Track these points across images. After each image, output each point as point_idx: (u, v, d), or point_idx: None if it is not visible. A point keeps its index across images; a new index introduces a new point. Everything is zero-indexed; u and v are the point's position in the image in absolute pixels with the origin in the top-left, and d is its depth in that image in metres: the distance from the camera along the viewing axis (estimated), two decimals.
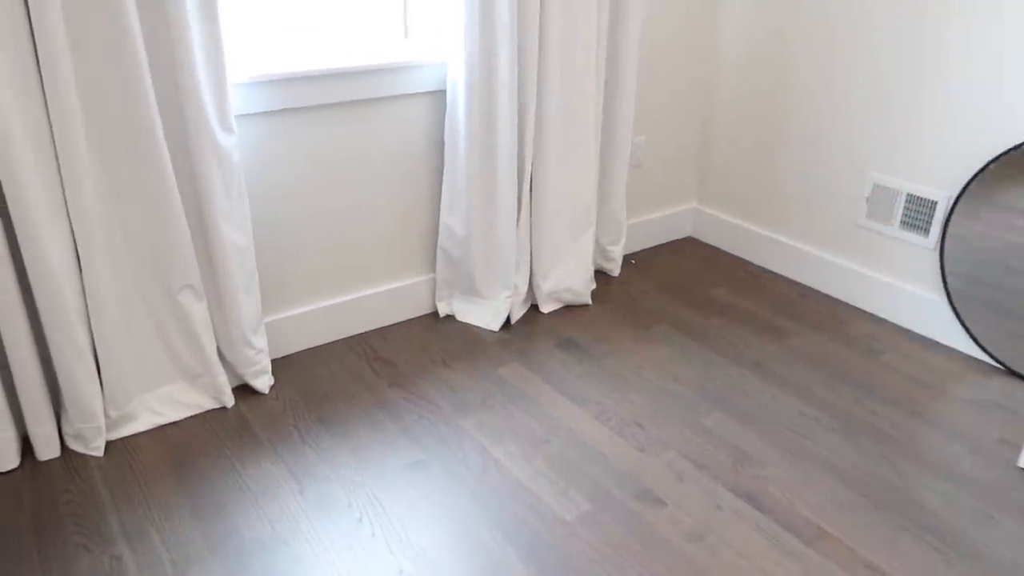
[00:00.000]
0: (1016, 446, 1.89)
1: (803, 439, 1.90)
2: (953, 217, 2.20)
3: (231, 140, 1.79)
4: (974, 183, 2.13)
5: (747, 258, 2.85)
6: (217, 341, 1.95)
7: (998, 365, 2.21)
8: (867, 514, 1.67)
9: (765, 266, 2.79)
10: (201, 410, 1.95)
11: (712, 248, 2.95)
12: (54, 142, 1.58)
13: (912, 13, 2.17)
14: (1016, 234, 2.07)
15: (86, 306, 1.72)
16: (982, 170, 2.11)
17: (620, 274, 2.73)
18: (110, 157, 1.65)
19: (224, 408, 1.97)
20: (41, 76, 1.52)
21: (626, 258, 2.86)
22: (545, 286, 2.43)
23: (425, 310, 2.43)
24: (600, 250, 2.68)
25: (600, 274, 2.72)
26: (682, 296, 2.59)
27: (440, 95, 2.19)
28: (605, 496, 1.71)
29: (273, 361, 2.16)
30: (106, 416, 1.82)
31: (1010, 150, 2.04)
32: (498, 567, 1.52)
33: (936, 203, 2.25)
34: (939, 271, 2.29)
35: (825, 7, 2.37)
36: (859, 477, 1.78)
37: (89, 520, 1.61)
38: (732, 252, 2.90)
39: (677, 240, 3.03)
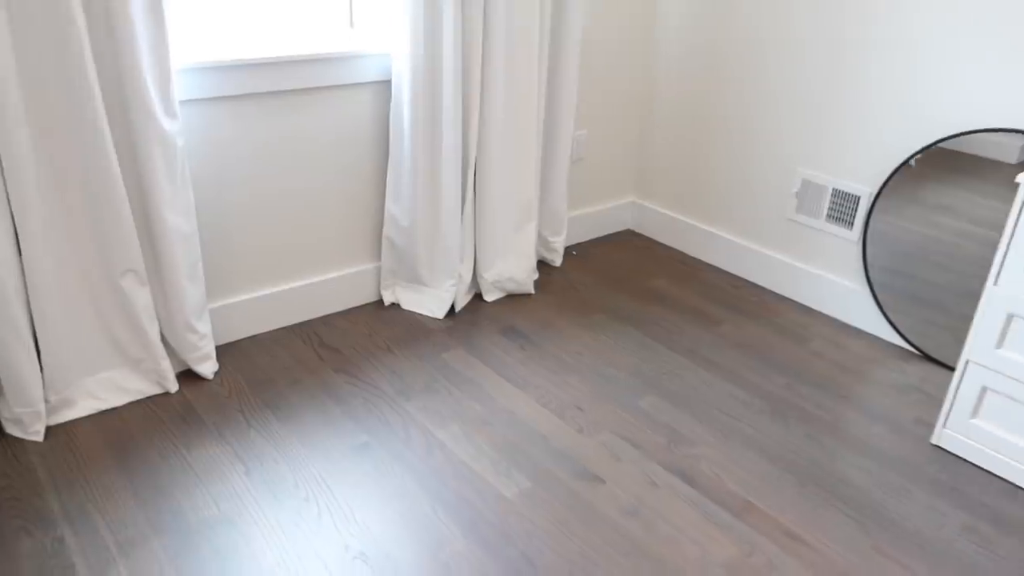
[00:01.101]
0: (930, 425, 2.01)
1: (733, 420, 2.00)
2: (875, 212, 2.33)
3: (175, 125, 1.80)
4: (894, 179, 2.26)
5: (684, 250, 2.95)
6: (160, 326, 1.95)
7: (916, 351, 2.34)
8: (792, 488, 1.77)
9: (701, 258, 2.90)
10: (144, 396, 1.94)
11: (650, 240, 3.05)
12: None
13: (834, 17, 2.29)
14: (937, 230, 2.20)
15: (26, 290, 1.71)
16: (900, 167, 2.24)
17: (562, 265, 2.80)
18: (52, 143, 1.64)
19: (167, 393, 1.97)
20: None
21: (568, 249, 2.93)
22: (489, 276, 2.48)
23: (370, 298, 2.46)
24: (542, 241, 2.74)
25: (543, 265, 2.79)
26: (621, 286, 2.67)
27: (385, 85, 2.22)
28: (545, 475, 1.77)
29: (218, 347, 2.16)
30: (46, 401, 1.80)
31: (925, 147, 2.17)
32: (441, 542, 1.57)
33: (859, 198, 2.38)
34: (862, 263, 2.42)
35: (756, 12, 2.48)
36: (785, 454, 1.88)
37: (28, 504, 1.60)
38: (670, 244, 3.00)
39: (617, 232, 3.12)
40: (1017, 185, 1.88)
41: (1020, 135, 1.98)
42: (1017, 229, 1.67)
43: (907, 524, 1.68)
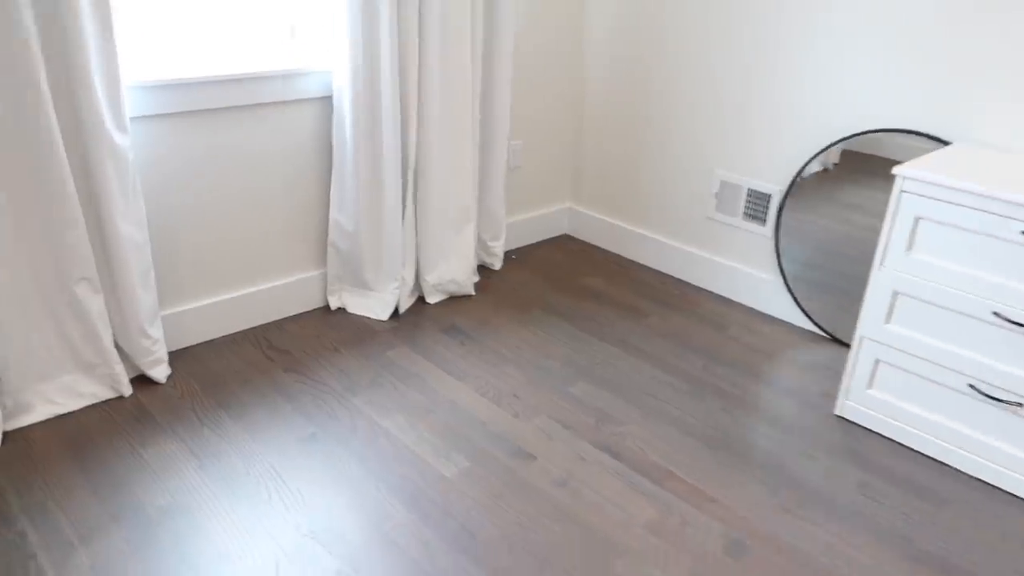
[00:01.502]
0: (835, 399, 2.21)
1: (657, 400, 2.17)
2: (785, 208, 2.53)
3: (126, 140, 1.90)
4: (812, 179, 2.47)
5: (616, 251, 3.13)
6: (114, 332, 2.04)
7: (826, 335, 2.55)
8: (707, 458, 1.94)
9: (631, 258, 3.08)
10: (98, 400, 2.03)
11: (586, 244, 3.22)
12: None
13: (744, 29, 2.50)
14: (848, 225, 2.41)
15: None
16: (805, 166, 2.45)
17: (501, 268, 2.96)
18: (6, 156, 1.74)
19: (122, 397, 2.06)
20: None
21: (507, 253, 3.08)
22: (430, 278, 2.62)
23: (317, 303, 2.57)
24: (482, 245, 2.89)
25: (483, 268, 2.94)
26: (557, 285, 2.83)
27: (327, 100, 2.36)
28: (482, 455, 1.91)
29: (171, 353, 2.26)
30: (2, 406, 1.88)
31: (825, 148, 2.39)
32: (385, 518, 1.69)
33: (771, 196, 2.58)
34: (775, 256, 2.62)
35: (673, 26, 2.68)
36: (703, 429, 2.05)
37: None
38: (603, 247, 3.18)
39: (555, 237, 3.29)
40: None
41: (916, 136, 2.20)
42: (896, 217, 1.88)
43: (809, 483, 1.87)
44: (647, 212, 2.99)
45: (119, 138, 1.88)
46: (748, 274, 2.71)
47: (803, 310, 2.57)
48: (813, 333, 2.56)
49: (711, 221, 2.79)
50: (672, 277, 2.94)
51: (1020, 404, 1.79)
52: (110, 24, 1.78)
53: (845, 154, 2.35)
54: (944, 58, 2.09)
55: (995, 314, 1.78)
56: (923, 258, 1.86)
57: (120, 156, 1.89)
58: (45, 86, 1.71)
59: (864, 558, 1.65)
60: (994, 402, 1.83)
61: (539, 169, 3.11)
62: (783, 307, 2.64)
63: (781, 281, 2.62)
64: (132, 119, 2.01)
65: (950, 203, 1.78)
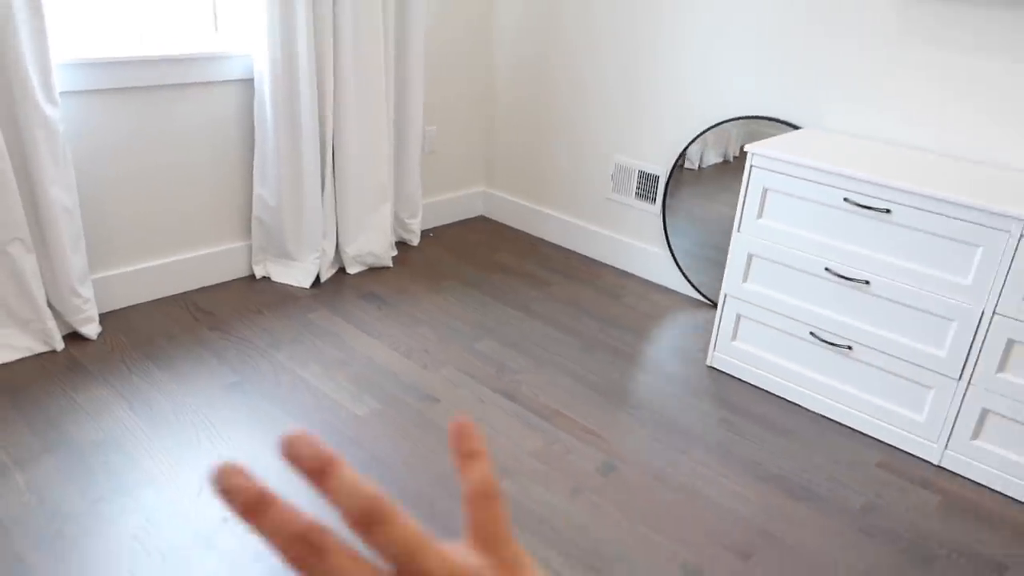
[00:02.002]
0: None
1: (553, 355, 2.43)
2: (670, 188, 2.83)
3: (56, 112, 2.06)
4: (680, 160, 2.77)
5: (526, 230, 3.39)
6: (46, 291, 2.19)
7: (709, 302, 2.85)
8: (593, 401, 2.21)
9: (540, 236, 3.35)
10: (32, 353, 2.18)
11: (499, 224, 3.48)
12: None
13: (630, 27, 2.78)
14: (731, 208, 2.72)
15: None
16: (686, 148, 2.75)
17: (419, 244, 3.18)
18: None
19: (54, 351, 2.21)
20: None
21: (425, 231, 3.31)
22: (350, 250, 2.83)
23: (243, 273, 2.75)
24: (400, 223, 3.11)
25: (401, 244, 3.16)
26: (470, 260, 3.07)
27: (250, 83, 2.54)
28: (392, 399, 2.13)
29: (101, 315, 2.41)
30: None
31: (700, 133, 2.69)
32: None
33: (658, 177, 2.88)
34: (663, 231, 2.91)
35: (574, 24, 2.95)
36: (591, 378, 2.32)
37: None
38: (514, 226, 3.44)
39: (471, 218, 3.53)
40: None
41: (775, 123, 2.52)
42: (748, 188, 2.18)
43: (678, 421, 2.15)
44: (553, 194, 3.26)
45: (49, 110, 2.04)
46: (641, 248, 3.00)
47: (688, 280, 2.87)
48: (698, 300, 2.87)
49: (608, 201, 3.07)
50: (576, 252, 3.22)
51: (850, 347, 2.11)
52: (39, 4, 1.94)
53: (703, 135, 2.66)
54: (797, 56, 2.41)
55: (826, 269, 2.09)
56: (770, 224, 2.17)
57: (51, 127, 2.05)
58: None
59: (718, 477, 1.94)
60: (829, 346, 2.15)
61: (454, 154, 3.35)
62: (672, 278, 2.94)
63: (669, 255, 2.91)
64: (66, 94, 2.16)
65: (789, 176, 2.09)
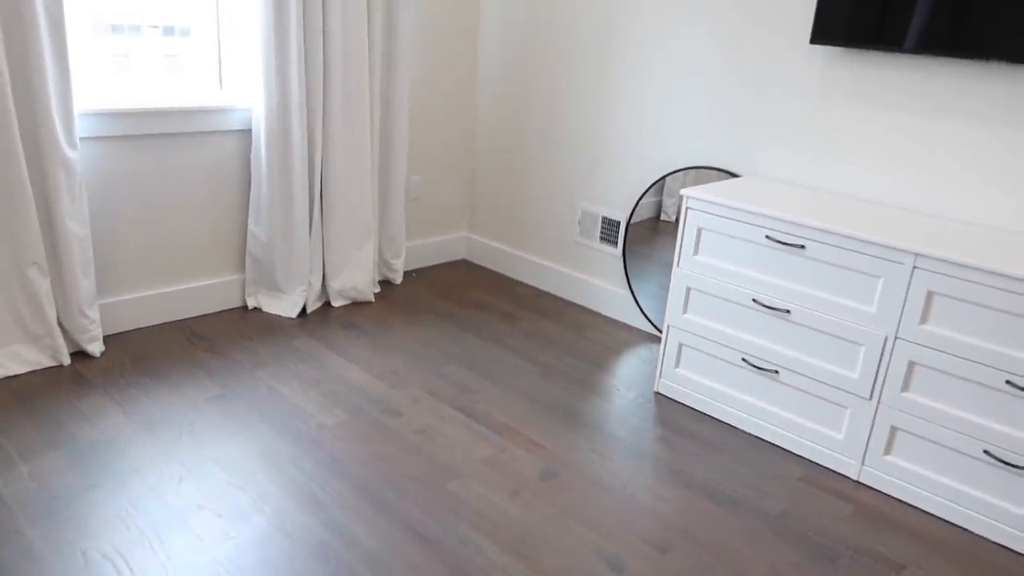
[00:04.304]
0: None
1: (512, 379, 2.65)
2: (629, 232, 3.08)
3: (75, 154, 2.37)
4: (638, 208, 3.03)
5: (504, 272, 3.65)
6: (57, 311, 2.46)
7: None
8: (543, 419, 2.42)
9: (515, 277, 3.60)
10: (42, 366, 2.43)
11: (479, 267, 3.74)
12: None
13: (591, 88, 3.09)
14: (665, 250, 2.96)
15: None
16: (642, 196, 3.02)
17: (402, 283, 3.44)
18: None
19: (61, 365, 2.46)
20: None
21: (408, 272, 3.58)
22: (335, 284, 3.09)
23: (236, 303, 3.02)
24: (384, 263, 3.38)
25: (385, 282, 3.42)
26: (448, 297, 3.33)
27: (248, 132, 2.85)
28: (358, 411, 2.36)
29: (106, 336, 2.67)
30: None
31: (655, 182, 2.96)
32: (271, 450, 2.13)
33: (619, 222, 3.14)
34: (624, 272, 3.16)
35: (545, 85, 3.27)
36: (544, 399, 2.54)
37: None
38: (493, 269, 3.70)
39: (453, 260, 3.79)
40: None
41: (718, 171, 2.78)
42: (685, 227, 2.43)
43: (619, 437, 2.35)
44: (527, 237, 3.52)
45: (70, 153, 2.34)
46: (604, 288, 3.24)
47: (647, 317, 3.10)
48: (654, 335, 3.09)
49: (576, 244, 3.33)
50: (547, 292, 3.46)
51: (776, 371, 2.32)
52: (66, 59, 2.27)
53: (657, 183, 2.93)
54: (735, 111, 2.69)
55: (753, 300, 2.32)
56: (705, 259, 2.41)
57: (70, 168, 2.35)
58: (12, 110, 2.18)
59: (648, 483, 2.13)
60: (758, 371, 2.36)
61: (438, 200, 3.63)
62: (631, 315, 3.17)
63: (629, 294, 3.15)
64: (84, 139, 2.47)
65: (719, 216, 2.34)
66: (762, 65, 2.60)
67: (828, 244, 2.15)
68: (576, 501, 2.03)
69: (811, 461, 2.30)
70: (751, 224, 2.28)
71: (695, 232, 2.42)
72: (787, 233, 2.22)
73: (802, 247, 2.20)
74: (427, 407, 2.42)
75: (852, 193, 2.48)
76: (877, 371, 2.13)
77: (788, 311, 2.26)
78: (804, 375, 2.27)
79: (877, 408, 2.15)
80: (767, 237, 2.26)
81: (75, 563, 1.67)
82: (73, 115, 2.34)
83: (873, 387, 2.15)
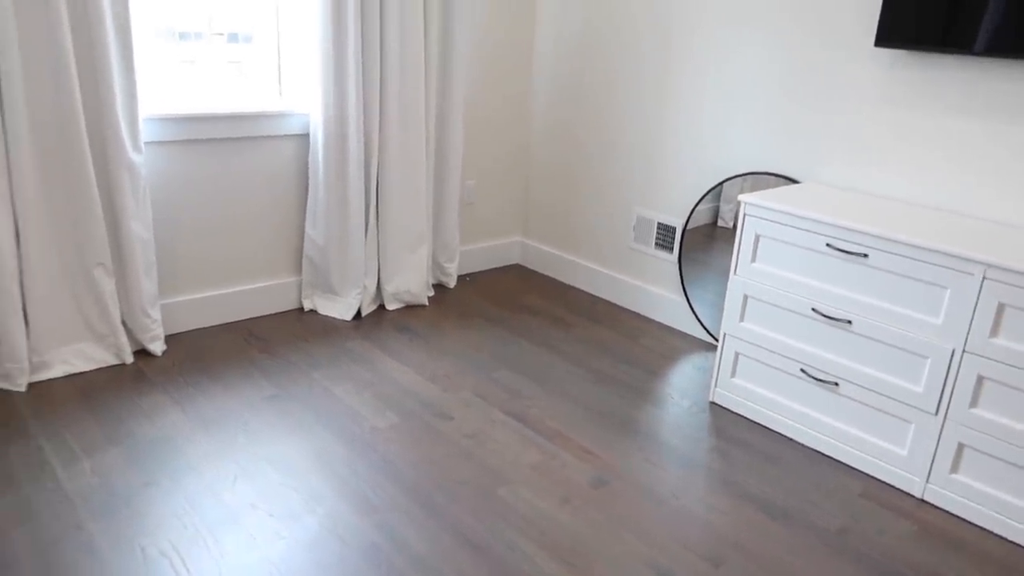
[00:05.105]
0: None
1: (564, 386, 2.63)
2: (685, 239, 3.03)
3: (140, 158, 2.43)
4: (694, 214, 2.98)
5: (557, 277, 3.63)
6: (121, 311, 2.53)
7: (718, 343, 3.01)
8: (595, 426, 2.39)
9: (569, 282, 3.58)
10: (105, 364, 2.51)
11: (533, 272, 3.73)
12: (7, 148, 2.18)
13: (650, 93, 3.05)
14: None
15: (20, 274, 2.29)
16: (697, 204, 2.96)
17: (455, 287, 3.45)
18: (48, 164, 2.27)
19: (124, 364, 2.53)
20: (1, 99, 2.14)
21: (462, 276, 3.58)
22: (389, 288, 3.12)
23: (293, 305, 3.07)
24: (438, 267, 3.39)
25: (439, 287, 3.44)
26: (501, 302, 3.32)
27: (306, 137, 2.90)
28: (410, 414, 2.37)
29: (167, 336, 2.74)
30: (29, 361, 2.36)
31: (712, 188, 2.91)
32: (324, 451, 2.15)
33: (675, 228, 3.09)
34: (679, 279, 3.11)
35: (601, 90, 3.24)
36: (598, 408, 2.51)
37: (14, 428, 2.15)
38: (547, 274, 3.68)
39: (507, 265, 3.79)
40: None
41: (777, 177, 2.72)
42: (743, 234, 2.38)
43: (672, 446, 2.31)
44: (581, 243, 3.50)
45: (135, 157, 2.41)
46: (659, 295, 3.20)
47: (702, 324, 3.04)
48: (709, 343, 3.03)
49: (631, 250, 3.29)
50: (601, 298, 3.43)
51: (836, 383, 2.25)
52: (132, 67, 2.33)
53: (714, 189, 2.87)
54: (796, 116, 2.62)
55: (813, 310, 2.25)
56: (762, 267, 2.36)
57: (135, 171, 2.42)
58: (81, 114, 2.25)
59: (701, 494, 2.09)
60: (817, 382, 2.29)
61: (492, 206, 3.64)
62: (687, 322, 3.12)
63: (685, 301, 3.10)
64: (149, 143, 2.54)
65: (778, 223, 2.29)
66: (823, 69, 2.53)
67: (893, 253, 2.08)
68: (627, 510, 2.00)
69: (872, 476, 2.22)
70: (811, 232, 2.22)
71: (753, 239, 2.36)
72: (849, 241, 2.15)
73: (864, 256, 2.13)
74: (478, 411, 2.42)
75: (917, 200, 2.39)
76: (944, 385, 2.05)
77: (849, 321, 2.19)
78: (866, 388, 2.19)
79: (944, 424, 2.07)
80: (828, 245, 2.19)
81: (134, 559, 1.71)
82: (138, 120, 2.40)
83: (939, 402, 2.07)
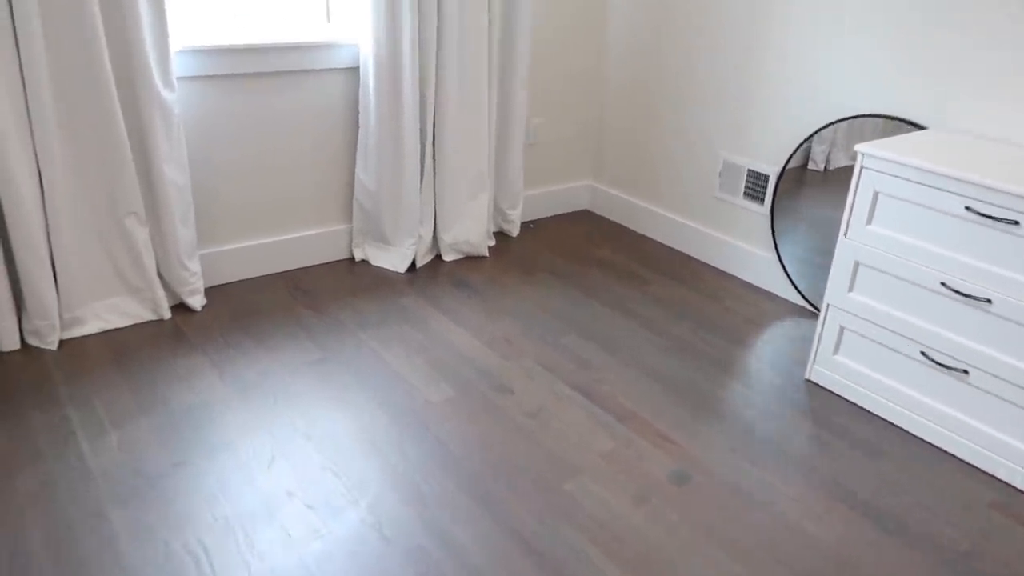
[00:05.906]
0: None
1: (639, 355, 2.34)
2: (779, 189, 2.67)
3: (172, 96, 2.19)
4: (793, 160, 2.60)
5: (630, 226, 3.31)
6: (157, 263, 2.33)
7: (814, 310, 2.67)
8: (676, 407, 2.11)
9: (644, 232, 3.25)
10: (142, 320, 2.33)
11: (603, 219, 3.40)
12: (25, 92, 1.96)
13: (744, 25, 2.64)
14: (840, 209, 2.53)
15: (47, 224, 2.10)
16: (797, 149, 2.58)
17: (518, 235, 3.17)
18: (71, 105, 2.04)
19: (161, 320, 2.35)
20: (16, 38, 1.90)
21: (525, 223, 3.29)
22: (447, 238, 2.85)
23: (343, 255, 2.83)
24: (500, 213, 3.11)
25: (500, 235, 3.15)
26: (568, 254, 3.03)
27: (356, 71, 2.61)
28: (467, 386, 2.13)
29: (207, 289, 2.55)
30: (60, 317, 2.19)
31: (815, 132, 2.52)
32: (371, 428, 1.93)
33: (768, 176, 2.72)
34: (771, 234, 2.75)
35: (687, 17, 2.84)
36: (677, 383, 2.22)
37: (42, 393, 1.99)
38: (619, 222, 3.36)
39: (575, 212, 3.48)
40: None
41: (896, 121, 2.32)
42: (858, 191, 2.02)
43: (763, 433, 2.02)
44: (659, 190, 3.15)
45: (166, 94, 2.17)
46: (747, 251, 2.85)
47: (795, 286, 2.70)
48: (803, 308, 2.69)
49: (716, 199, 2.94)
50: (679, 252, 3.10)
51: (966, 371, 1.91)
52: None
53: (816, 134, 2.48)
54: (923, 50, 2.20)
55: (943, 284, 1.90)
56: (880, 231, 2.00)
57: (167, 109, 2.18)
58: (104, 47, 2.00)
59: (800, 497, 1.80)
60: (942, 369, 1.95)
61: (560, 146, 3.30)
62: (777, 282, 2.77)
63: (776, 258, 2.75)
64: (182, 79, 2.29)
65: (904, 179, 1.91)
66: None
67: None
68: (712, 514, 1.73)
69: (1006, 484, 1.90)
70: (947, 191, 1.85)
71: (871, 197, 2.00)
72: (996, 205, 1.77)
73: (1015, 223, 1.75)
74: (542, 384, 2.16)
75: None
76: None
77: (989, 300, 1.83)
78: (1003, 379, 1.85)
79: None
80: (967, 208, 1.82)
81: (155, 554, 1.53)
82: (169, 53, 2.15)
83: None
